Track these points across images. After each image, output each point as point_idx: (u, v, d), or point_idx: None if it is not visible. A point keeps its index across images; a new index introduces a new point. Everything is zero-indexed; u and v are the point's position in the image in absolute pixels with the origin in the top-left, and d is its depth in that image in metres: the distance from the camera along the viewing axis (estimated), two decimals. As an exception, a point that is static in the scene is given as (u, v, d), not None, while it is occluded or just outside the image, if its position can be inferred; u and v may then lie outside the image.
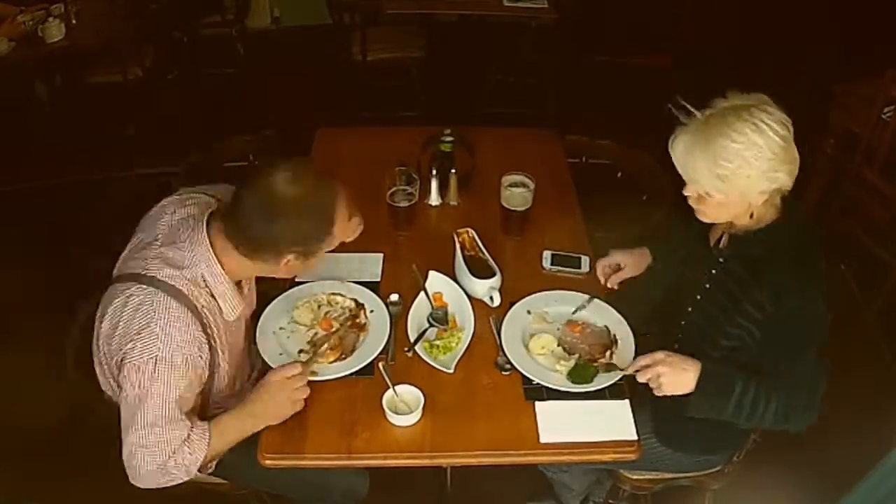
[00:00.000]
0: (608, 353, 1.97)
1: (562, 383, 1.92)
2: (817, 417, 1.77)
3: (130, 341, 1.65)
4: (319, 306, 2.13)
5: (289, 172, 1.64)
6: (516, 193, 2.39)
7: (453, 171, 2.49)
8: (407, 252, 2.32)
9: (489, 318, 2.09)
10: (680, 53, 4.75)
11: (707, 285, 1.90)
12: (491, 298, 2.11)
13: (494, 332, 2.05)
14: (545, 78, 4.50)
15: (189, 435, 1.76)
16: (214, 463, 1.89)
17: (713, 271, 1.89)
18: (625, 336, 2.03)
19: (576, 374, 1.93)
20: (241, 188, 1.68)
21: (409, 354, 2.00)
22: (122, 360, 1.68)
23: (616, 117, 3.79)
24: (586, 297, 2.12)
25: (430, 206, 2.52)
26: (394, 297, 2.15)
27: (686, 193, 1.77)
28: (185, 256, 1.71)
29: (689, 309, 1.95)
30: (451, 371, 1.94)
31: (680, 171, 1.73)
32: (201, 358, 1.72)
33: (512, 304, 2.12)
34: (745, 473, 2.24)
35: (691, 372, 1.76)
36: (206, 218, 1.74)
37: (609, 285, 2.16)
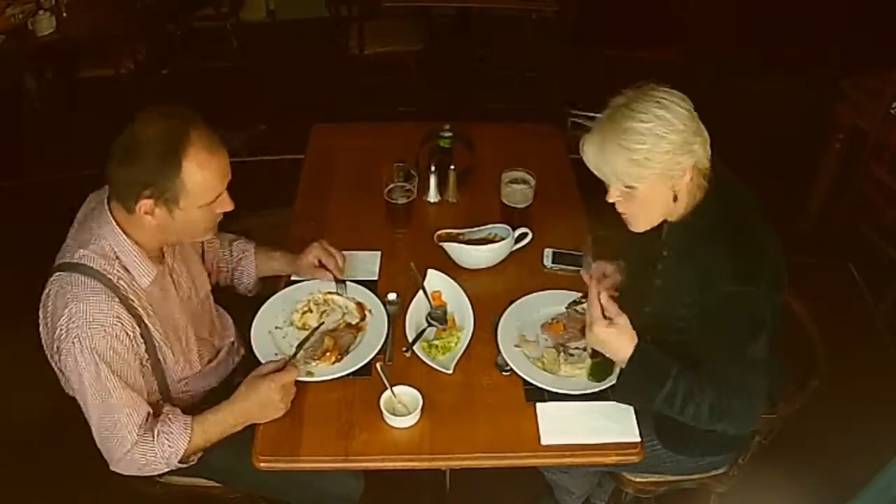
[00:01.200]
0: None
1: (559, 385, 1.92)
2: (753, 421, 1.76)
3: (56, 329, 1.70)
4: (317, 305, 2.14)
5: (145, 115, 1.68)
6: (517, 190, 2.39)
7: (452, 167, 2.49)
8: (405, 250, 2.32)
9: (489, 317, 2.09)
10: (684, 46, 4.75)
11: (658, 282, 1.88)
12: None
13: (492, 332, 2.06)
14: (546, 72, 4.50)
15: (170, 428, 1.80)
16: (198, 456, 1.90)
17: (659, 267, 1.87)
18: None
19: (597, 372, 1.94)
20: None
21: (408, 355, 2.00)
22: (57, 352, 1.73)
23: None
24: (579, 295, 2.11)
25: (429, 202, 2.51)
26: (391, 296, 2.15)
27: (610, 199, 1.75)
28: (93, 233, 1.76)
29: (647, 309, 1.91)
30: (450, 372, 1.94)
31: (596, 173, 1.72)
32: (123, 329, 1.73)
33: (512, 303, 2.12)
34: (750, 476, 2.25)
35: (631, 342, 1.74)
36: (107, 194, 1.79)
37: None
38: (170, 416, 1.84)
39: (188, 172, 1.67)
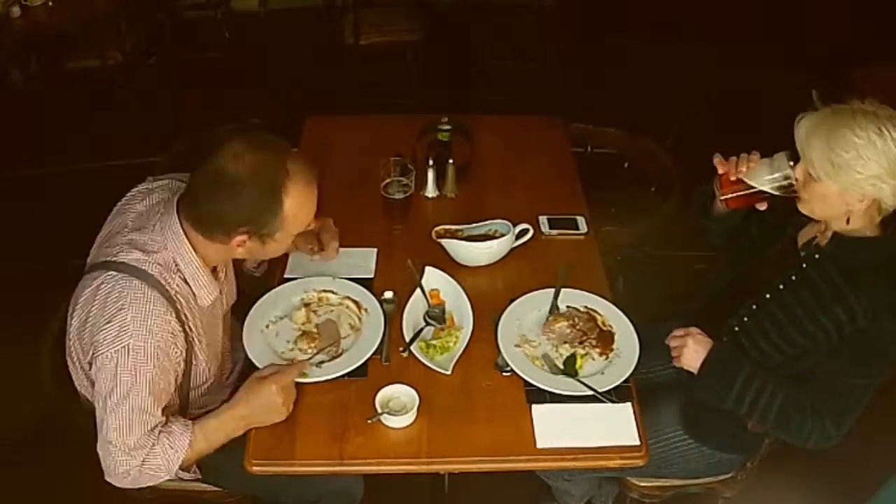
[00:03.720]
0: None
1: (561, 386, 1.91)
2: (820, 444, 1.83)
3: (101, 331, 1.67)
4: (309, 304, 2.13)
5: (235, 147, 1.65)
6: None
7: (451, 161, 2.48)
8: (402, 247, 2.31)
9: (489, 316, 2.08)
10: (691, 35, 4.74)
11: (781, 286, 1.93)
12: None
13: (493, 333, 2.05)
14: (547, 62, 4.49)
15: (170, 429, 1.78)
16: (195, 467, 1.89)
17: (804, 266, 1.91)
18: (607, 310, 2.09)
19: (569, 366, 1.97)
20: (196, 168, 1.70)
21: (405, 355, 1.99)
22: (94, 354, 1.70)
23: (623, 104, 3.78)
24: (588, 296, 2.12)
25: (427, 198, 2.51)
26: (388, 295, 2.14)
27: (795, 173, 1.83)
28: (156, 240, 1.73)
29: (755, 306, 1.98)
30: (449, 372, 1.94)
31: (798, 148, 1.81)
32: (176, 346, 1.73)
33: (512, 301, 2.12)
34: (759, 481, 2.24)
35: (706, 349, 1.89)
36: (175, 201, 1.76)
37: None
38: (170, 419, 1.83)
39: (289, 210, 1.68)
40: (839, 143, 1.73)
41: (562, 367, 1.97)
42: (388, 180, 2.38)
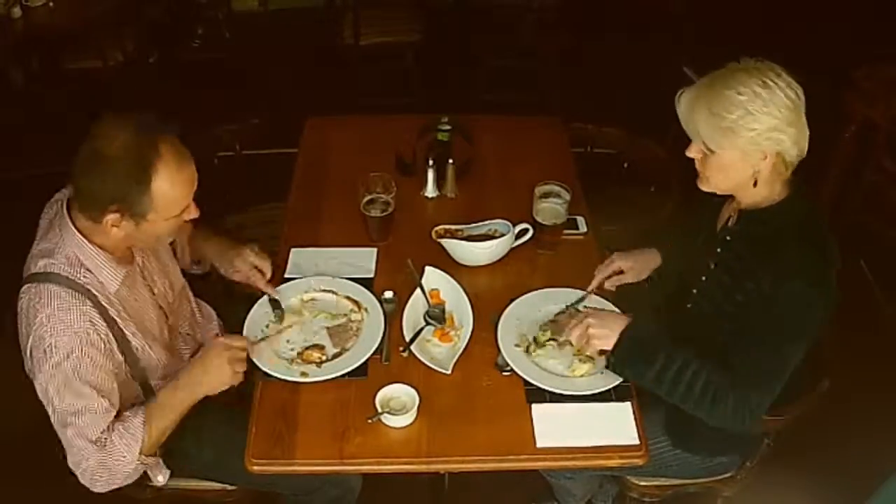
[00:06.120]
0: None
1: (561, 385, 1.92)
2: (744, 420, 1.77)
3: (28, 339, 1.71)
4: (309, 304, 2.14)
5: (109, 127, 1.66)
6: (547, 206, 2.32)
7: (451, 161, 2.49)
8: (402, 247, 2.32)
9: (489, 316, 2.09)
10: (689, 34, 4.74)
11: (712, 265, 1.91)
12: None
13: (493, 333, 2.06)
14: (548, 62, 4.49)
15: (122, 416, 1.81)
16: (160, 452, 1.92)
17: (718, 250, 1.90)
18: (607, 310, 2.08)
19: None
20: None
21: (405, 355, 2.00)
22: (32, 362, 1.73)
23: (623, 104, 3.79)
24: (581, 293, 2.13)
25: (427, 198, 2.52)
26: (388, 295, 2.15)
27: (689, 154, 1.80)
28: (55, 242, 1.77)
29: (695, 291, 1.96)
30: (449, 372, 1.95)
31: (683, 127, 1.77)
32: (97, 333, 1.74)
33: (512, 301, 2.12)
34: (758, 480, 2.25)
35: (619, 325, 1.82)
36: (66, 200, 1.79)
37: (606, 287, 2.15)
38: (125, 411, 1.85)
39: (157, 189, 1.68)
40: (723, 107, 1.67)
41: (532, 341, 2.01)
42: (368, 197, 2.30)
